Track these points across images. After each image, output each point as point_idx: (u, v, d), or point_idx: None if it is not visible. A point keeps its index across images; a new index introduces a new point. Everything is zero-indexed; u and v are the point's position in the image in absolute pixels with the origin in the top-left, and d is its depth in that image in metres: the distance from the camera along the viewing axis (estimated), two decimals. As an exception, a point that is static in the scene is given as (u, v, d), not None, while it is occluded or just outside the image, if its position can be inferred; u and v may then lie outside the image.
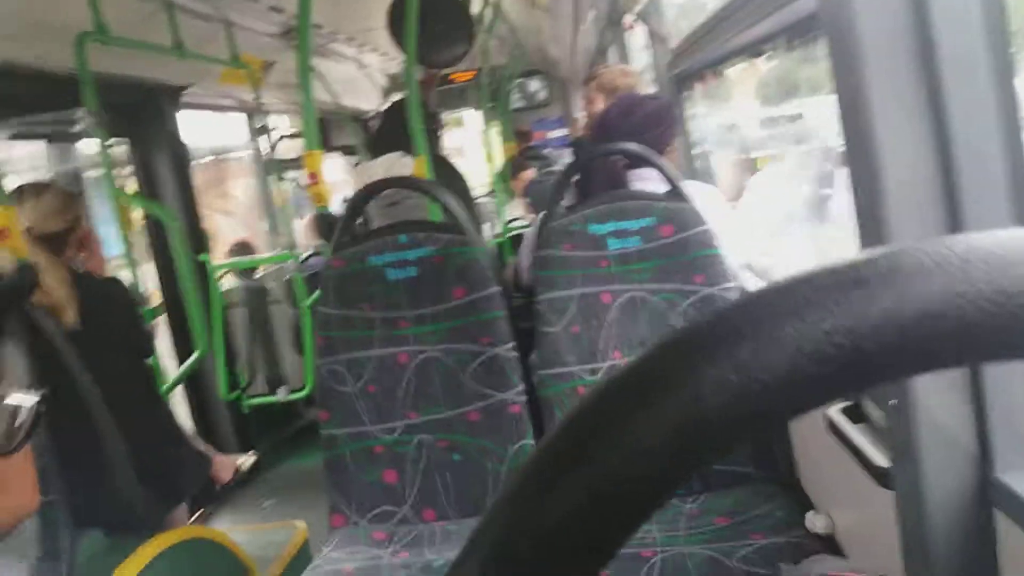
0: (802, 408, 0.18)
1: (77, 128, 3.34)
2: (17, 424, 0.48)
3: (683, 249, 1.78)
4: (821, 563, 0.53)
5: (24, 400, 0.47)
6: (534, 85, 7.49)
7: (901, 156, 0.78)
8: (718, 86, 2.84)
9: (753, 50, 2.13)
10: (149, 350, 2.53)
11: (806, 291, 0.18)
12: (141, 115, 3.42)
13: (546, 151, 6.55)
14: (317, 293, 3.45)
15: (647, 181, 1.90)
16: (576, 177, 2.00)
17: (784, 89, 2.95)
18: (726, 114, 3.26)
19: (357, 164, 5.94)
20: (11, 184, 2.21)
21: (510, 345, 1.81)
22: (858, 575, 0.49)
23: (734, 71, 2.65)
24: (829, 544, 1.31)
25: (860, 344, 0.17)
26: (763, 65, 2.78)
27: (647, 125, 1.91)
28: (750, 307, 0.19)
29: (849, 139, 0.86)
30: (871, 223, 0.81)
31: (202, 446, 2.60)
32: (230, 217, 5.82)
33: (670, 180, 1.83)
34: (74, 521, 1.62)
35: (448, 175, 2.87)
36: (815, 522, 1.35)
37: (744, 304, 0.19)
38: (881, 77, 0.79)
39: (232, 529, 2.18)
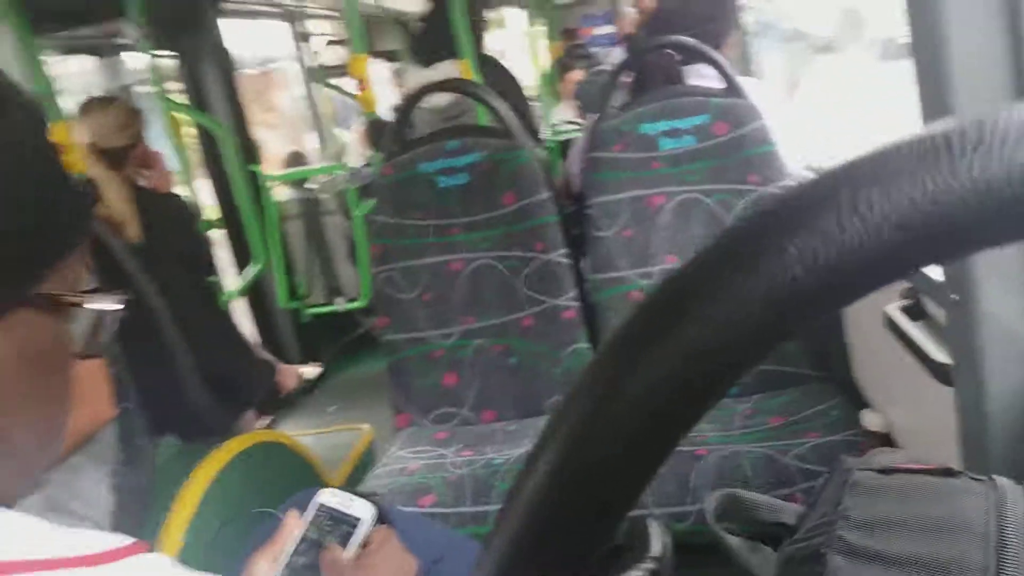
0: (887, 278, 0.18)
1: (125, 41, 3.34)
2: (100, 328, 0.50)
3: (738, 147, 1.74)
4: (882, 455, 0.54)
5: (106, 304, 0.49)
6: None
7: (967, 27, 0.74)
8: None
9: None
10: (210, 264, 2.60)
11: (892, 160, 0.18)
12: (185, 26, 3.40)
13: (593, 49, 6.36)
14: (370, 202, 3.49)
15: (703, 78, 1.84)
16: (629, 76, 1.94)
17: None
18: (783, 4, 3.11)
19: (397, 70, 5.85)
20: (64, 100, 2.25)
21: (563, 251, 1.81)
22: (924, 466, 0.50)
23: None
24: (884, 442, 1.32)
25: (947, 212, 0.17)
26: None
27: (703, 18, 1.83)
28: (836, 175, 0.19)
29: (913, 11, 0.82)
30: (934, 99, 0.79)
31: (266, 355, 2.69)
32: (275, 130, 5.83)
33: (725, 75, 1.77)
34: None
35: (498, 76, 2.80)
36: (871, 420, 1.36)
37: (831, 172, 0.19)
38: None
39: (300, 434, 2.27)
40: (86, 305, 0.48)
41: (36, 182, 0.43)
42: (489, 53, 3.01)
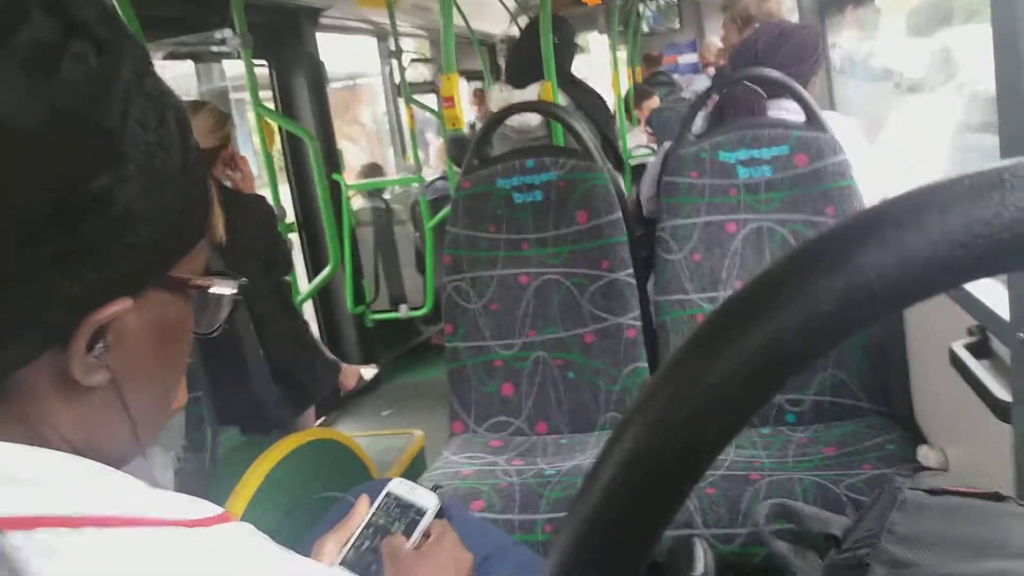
0: (940, 287, 0.22)
1: (223, 48, 3.50)
2: (216, 310, 0.56)
3: (816, 180, 1.75)
4: (932, 477, 0.55)
5: (225, 289, 0.55)
6: (666, 8, 7.23)
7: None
8: (865, 13, 2.69)
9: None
10: (289, 266, 2.68)
11: (954, 189, 0.22)
12: (282, 36, 3.55)
13: (675, 76, 6.36)
14: (440, 214, 3.57)
15: (786, 112, 1.85)
16: (711, 105, 1.96)
17: (937, 17, 2.76)
18: (871, 43, 3.08)
19: (477, 91, 5.95)
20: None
21: (629, 271, 1.84)
22: (973, 490, 0.51)
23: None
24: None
25: (995, 234, 0.21)
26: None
27: (795, 57, 1.83)
28: (905, 200, 0.22)
29: (1002, 71, 0.83)
30: (1016, 142, 0.80)
31: (330, 356, 2.76)
32: (355, 143, 6.00)
33: (809, 109, 1.78)
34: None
35: (587, 98, 2.85)
36: (928, 456, 1.35)
37: (901, 198, 0.23)
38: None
39: (354, 435, 2.33)
40: (213, 289, 0.54)
41: (183, 179, 0.50)
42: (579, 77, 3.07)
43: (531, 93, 2.62)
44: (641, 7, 5.99)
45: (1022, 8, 0.77)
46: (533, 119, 2.55)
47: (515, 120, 2.51)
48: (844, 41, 2.80)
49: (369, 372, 3.20)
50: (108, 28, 0.46)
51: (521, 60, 2.82)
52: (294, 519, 1.59)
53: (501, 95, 2.91)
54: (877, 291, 0.22)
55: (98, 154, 0.44)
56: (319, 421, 3.26)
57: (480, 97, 5.94)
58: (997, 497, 0.56)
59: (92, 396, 0.48)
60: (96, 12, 0.45)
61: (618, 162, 3.29)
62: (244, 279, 0.56)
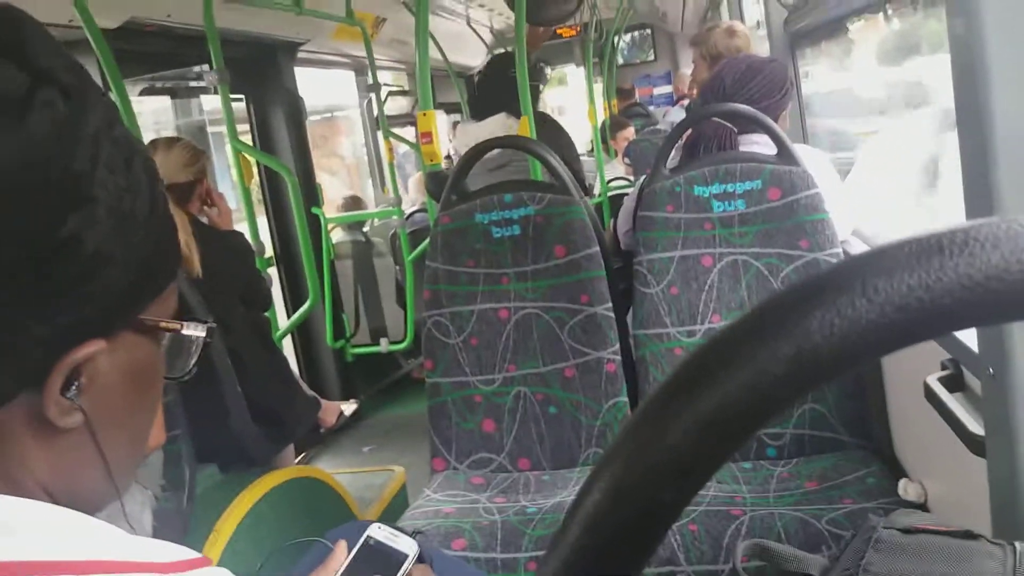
0: (889, 349, 0.23)
1: (200, 83, 3.51)
2: (187, 352, 0.57)
3: (790, 213, 1.77)
4: (907, 516, 0.56)
5: (196, 331, 0.55)
6: (640, 40, 7.35)
7: (1015, 123, 0.77)
8: (836, 45, 2.74)
9: (876, 6, 2.04)
10: (267, 301, 2.67)
11: (896, 255, 0.23)
12: (259, 71, 3.56)
13: (651, 108, 6.44)
14: (420, 247, 3.57)
15: (757, 146, 1.88)
16: (683, 139, 1.99)
17: (905, 47, 2.82)
18: (842, 74, 3.14)
19: (456, 123, 6.00)
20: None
21: (608, 305, 1.85)
22: (946, 528, 0.51)
23: (853, 28, 2.54)
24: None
25: (936, 299, 0.22)
26: (883, 22, 2.66)
27: (764, 92, 1.86)
28: (852, 265, 0.23)
29: (961, 102, 0.85)
30: (979, 191, 0.81)
31: (309, 392, 2.74)
32: (334, 176, 6.01)
33: (780, 143, 1.81)
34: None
35: (551, 132, 2.89)
36: (907, 490, 1.35)
37: (847, 263, 0.24)
38: (999, 36, 0.78)
39: (334, 472, 2.31)
40: (183, 331, 0.54)
41: (152, 222, 0.50)
42: (544, 111, 3.12)
43: (490, 125, 2.66)
44: (616, 39, 6.07)
45: (978, 39, 0.79)
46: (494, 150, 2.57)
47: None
48: (817, 72, 2.86)
49: (349, 408, 3.18)
50: (74, 76, 0.47)
51: (483, 94, 2.87)
52: (274, 560, 1.56)
53: (463, 130, 2.95)
54: (824, 355, 0.22)
55: (68, 198, 0.45)
56: (299, 458, 3.23)
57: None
58: (970, 535, 0.56)
59: (67, 439, 0.48)
60: (62, 62, 0.46)
61: (586, 195, 3.32)
62: (213, 323, 0.56)
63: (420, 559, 0.96)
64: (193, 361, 0.57)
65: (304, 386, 2.75)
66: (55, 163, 0.44)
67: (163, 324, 0.52)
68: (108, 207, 0.46)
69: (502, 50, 5.17)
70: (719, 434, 0.23)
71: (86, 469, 0.50)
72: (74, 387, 0.47)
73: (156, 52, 3.01)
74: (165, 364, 0.55)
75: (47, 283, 0.44)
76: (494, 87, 2.78)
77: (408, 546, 0.92)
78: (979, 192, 0.81)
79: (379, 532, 0.93)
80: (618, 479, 0.24)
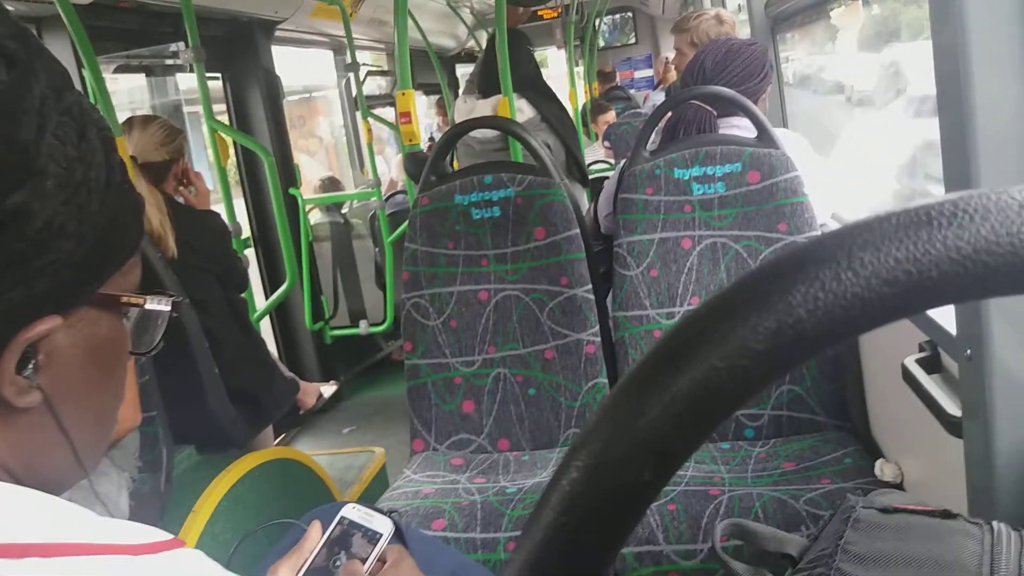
0: (875, 323, 0.22)
1: (176, 61, 3.45)
2: (151, 328, 0.56)
3: (769, 196, 1.77)
4: (885, 495, 0.56)
5: (159, 305, 0.54)
6: (622, 23, 7.32)
7: (995, 106, 0.78)
8: (816, 29, 2.74)
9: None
10: (244, 281, 2.65)
11: (883, 227, 0.22)
12: (236, 50, 3.51)
13: (631, 91, 6.43)
14: (400, 229, 3.55)
15: (738, 129, 1.87)
16: (663, 122, 1.98)
17: (886, 33, 2.83)
18: (822, 59, 3.15)
19: (440, 99, 5.95)
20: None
21: (587, 287, 1.84)
22: (924, 507, 0.52)
23: (834, 13, 2.55)
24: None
25: (924, 272, 0.21)
26: (862, 8, 2.67)
27: (743, 75, 1.85)
28: (838, 237, 0.23)
29: (942, 86, 0.85)
30: (958, 173, 0.82)
31: (288, 373, 2.73)
32: (312, 157, 5.95)
33: (760, 126, 1.81)
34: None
35: (554, 111, 2.89)
36: (884, 470, 1.37)
37: (832, 235, 0.23)
38: (981, 23, 0.78)
39: (314, 453, 2.30)
40: (146, 306, 0.53)
41: (110, 195, 0.49)
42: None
43: (495, 103, 2.64)
44: (597, 22, 6.04)
45: (961, 29, 0.79)
46: (493, 131, 2.56)
47: (477, 131, 2.51)
48: (798, 56, 2.86)
49: (329, 389, 3.18)
50: (19, 43, 0.45)
51: (489, 71, 2.84)
52: (252, 542, 1.56)
53: (465, 106, 2.92)
54: (808, 330, 0.22)
55: (13, 170, 0.43)
56: (278, 440, 3.22)
57: (442, 108, 5.94)
58: (947, 515, 0.56)
59: (27, 419, 0.47)
60: (4, 29, 0.45)
61: (583, 177, 3.32)
62: (179, 297, 0.55)
63: (399, 539, 0.95)
64: (159, 336, 0.56)
65: (283, 367, 2.74)
66: None
67: (125, 299, 0.51)
68: (58, 179, 0.45)
69: (484, 32, 5.14)
70: (699, 412, 0.22)
71: (50, 449, 0.49)
72: (31, 366, 0.46)
73: (131, 29, 2.95)
74: (131, 339, 0.54)
75: None
76: (494, 67, 2.75)
77: (383, 525, 0.92)
78: (958, 174, 0.81)
79: (354, 512, 0.93)
80: (597, 457, 0.23)
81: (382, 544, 0.90)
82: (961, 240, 0.21)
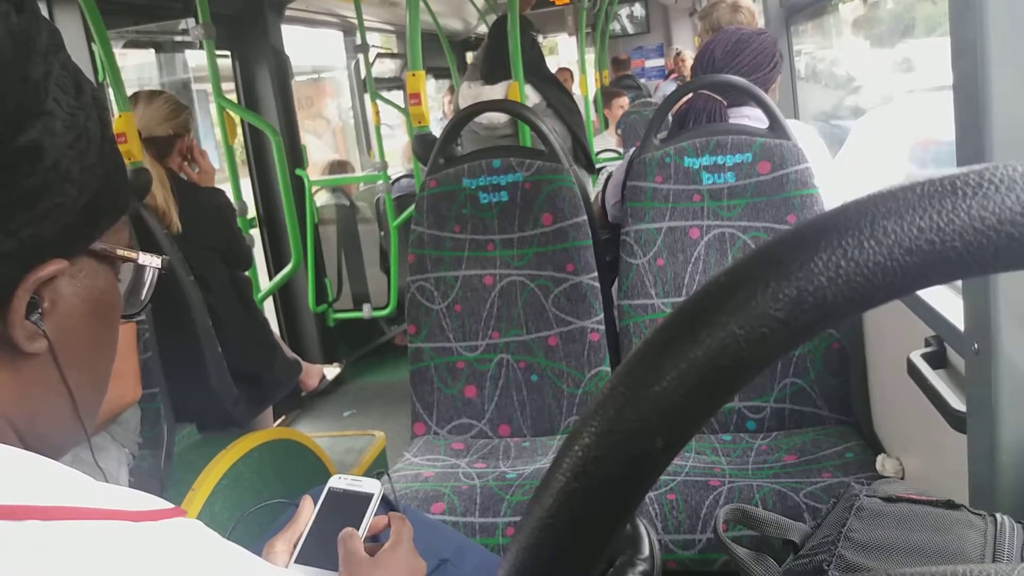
0: (896, 293, 0.22)
1: (186, 38, 3.44)
2: (141, 286, 0.58)
3: (779, 187, 1.76)
4: (888, 485, 0.56)
5: (149, 261, 0.56)
6: (635, 10, 7.28)
7: (1011, 100, 0.77)
8: (827, 22, 2.72)
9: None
10: (248, 260, 2.64)
11: (907, 196, 0.22)
12: (246, 27, 3.49)
13: (642, 80, 6.40)
14: (406, 213, 3.55)
15: (747, 119, 1.86)
16: (674, 111, 1.97)
17: (900, 28, 2.81)
18: (834, 52, 3.13)
19: (451, 86, 5.92)
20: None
21: (593, 275, 1.84)
22: (928, 497, 0.52)
23: (846, 8, 2.53)
24: (898, 488, 1.32)
25: (947, 242, 0.21)
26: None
27: (753, 64, 1.84)
28: (861, 206, 0.22)
29: (959, 82, 0.84)
30: (971, 143, 0.81)
31: (291, 355, 2.73)
32: (319, 138, 5.93)
33: (772, 115, 1.80)
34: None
35: (560, 97, 2.87)
36: (885, 465, 1.37)
37: (855, 203, 0.22)
38: (999, 18, 0.77)
39: (314, 435, 2.31)
40: (139, 260, 0.56)
41: (105, 151, 0.52)
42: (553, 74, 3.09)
43: (501, 90, 2.62)
44: (609, 8, 6.00)
45: (980, 21, 0.78)
46: (501, 116, 2.54)
47: (484, 117, 2.50)
48: (810, 49, 2.84)
49: (332, 372, 3.18)
50: None
51: (493, 57, 2.82)
52: (249, 521, 1.56)
53: (470, 91, 2.91)
54: (828, 298, 0.21)
55: (26, 106, 0.46)
56: (279, 421, 3.22)
57: (453, 93, 5.92)
58: (951, 505, 0.56)
59: (32, 368, 0.49)
60: None
61: (589, 164, 3.31)
62: (167, 256, 0.58)
63: (387, 505, 0.96)
64: (147, 294, 0.59)
65: (286, 348, 2.73)
66: (12, 70, 0.45)
67: (120, 252, 0.54)
68: (64, 121, 0.48)
69: (495, 16, 5.11)
70: (716, 380, 0.22)
71: (52, 403, 0.51)
72: (38, 312, 0.48)
73: (141, 3, 2.94)
74: (123, 300, 0.57)
75: (8, 192, 0.45)
76: (504, 50, 2.72)
77: (371, 486, 0.93)
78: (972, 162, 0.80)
79: (341, 481, 0.94)
80: (611, 423, 0.23)
81: (373, 504, 0.91)
82: (986, 211, 0.21)
